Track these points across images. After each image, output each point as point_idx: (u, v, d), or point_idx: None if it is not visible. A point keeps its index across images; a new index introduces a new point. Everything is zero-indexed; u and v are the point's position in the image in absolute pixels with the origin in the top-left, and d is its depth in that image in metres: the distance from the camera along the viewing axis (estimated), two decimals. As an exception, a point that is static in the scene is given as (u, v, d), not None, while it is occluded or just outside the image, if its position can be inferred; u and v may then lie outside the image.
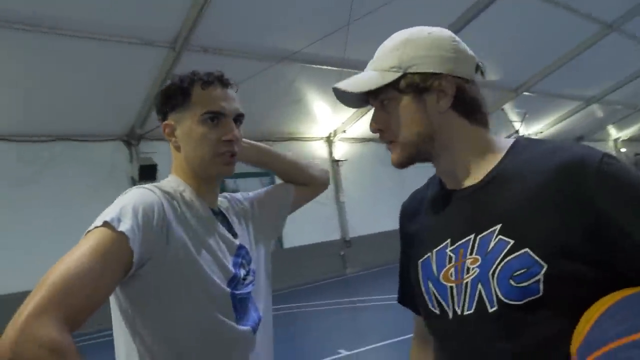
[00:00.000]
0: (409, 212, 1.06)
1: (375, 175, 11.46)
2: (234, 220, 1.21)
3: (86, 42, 6.20)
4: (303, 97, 9.36)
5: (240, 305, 1.09)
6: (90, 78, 6.75)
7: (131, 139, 8.38)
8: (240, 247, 1.16)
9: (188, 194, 1.11)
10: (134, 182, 8.20)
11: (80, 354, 0.74)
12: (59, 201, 7.48)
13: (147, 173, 7.98)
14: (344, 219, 10.97)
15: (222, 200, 1.24)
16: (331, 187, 10.87)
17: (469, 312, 0.82)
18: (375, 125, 0.93)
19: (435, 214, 0.95)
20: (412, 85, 0.88)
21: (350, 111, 10.23)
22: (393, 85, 0.88)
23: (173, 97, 1.12)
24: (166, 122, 1.15)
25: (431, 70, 0.87)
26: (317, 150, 10.95)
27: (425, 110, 0.88)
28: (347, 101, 0.97)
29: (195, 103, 1.11)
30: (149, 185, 1.06)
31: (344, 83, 0.92)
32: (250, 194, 1.35)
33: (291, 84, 8.71)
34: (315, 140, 10.93)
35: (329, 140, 11.08)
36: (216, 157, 1.11)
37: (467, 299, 0.83)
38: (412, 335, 1.13)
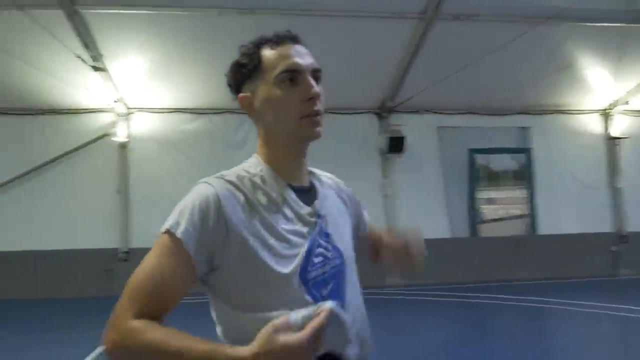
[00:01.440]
0: None
1: (669, 157, 9.19)
2: (326, 196, 1.15)
3: (339, 20, 6.53)
4: (574, 63, 7.93)
5: (315, 288, 1.01)
6: (345, 55, 6.98)
7: (382, 112, 8.59)
8: (318, 223, 1.08)
9: (263, 175, 1.06)
10: (382, 153, 8.50)
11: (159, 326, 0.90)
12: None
13: (396, 145, 8.29)
14: (621, 209, 9.10)
15: (320, 176, 1.21)
16: (604, 170, 9.18)
17: None
18: None
19: None
20: None
21: (637, 78, 8.33)
22: None
23: (243, 65, 1.08)
24: (241, 94, 1.09)
25: None
26: (588, 125, 9.28)
27: None
28: None
29: (268, 66, 1.05)
30: (213, 177, 1.04)
31: None
32: (349, 188, 1.32)
33: (558, 47, 7.49)
34: (588, 113, 9.25)
35: (605, 114, 9.26)
36: (301, 120, 1.04)
37: None
38: None
